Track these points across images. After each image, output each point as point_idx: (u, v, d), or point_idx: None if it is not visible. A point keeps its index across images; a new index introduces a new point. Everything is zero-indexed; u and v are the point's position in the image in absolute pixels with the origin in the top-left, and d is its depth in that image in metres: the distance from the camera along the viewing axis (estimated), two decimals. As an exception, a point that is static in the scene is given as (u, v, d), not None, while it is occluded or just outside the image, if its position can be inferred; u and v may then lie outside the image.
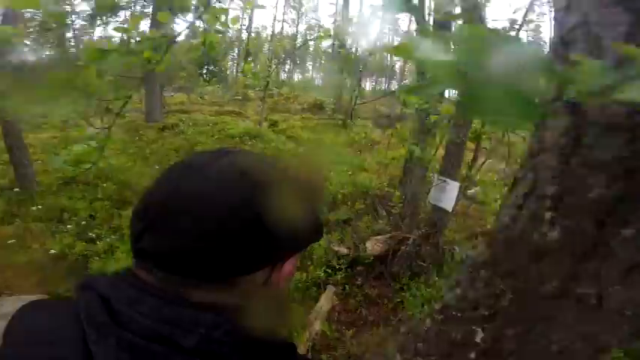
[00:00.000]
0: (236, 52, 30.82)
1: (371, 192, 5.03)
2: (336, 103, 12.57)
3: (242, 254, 0.38)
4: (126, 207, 4.67)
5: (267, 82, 9.62)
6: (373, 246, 3.20)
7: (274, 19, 32.50)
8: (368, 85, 35.58)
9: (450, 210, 2.61)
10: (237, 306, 0.39)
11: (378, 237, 3.28)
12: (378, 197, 5.02)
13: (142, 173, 5.75)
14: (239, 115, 12.02)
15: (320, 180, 0.47)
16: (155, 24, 10.64)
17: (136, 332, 0.34)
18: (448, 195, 2.56)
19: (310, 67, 34.29)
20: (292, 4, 30.76)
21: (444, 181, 2.58)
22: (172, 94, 16.33)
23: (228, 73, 24.82)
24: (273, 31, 31.13)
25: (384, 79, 33.76)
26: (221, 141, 8.08)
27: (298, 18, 30.55)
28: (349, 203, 4.74)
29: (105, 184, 5.26)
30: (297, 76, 31.41)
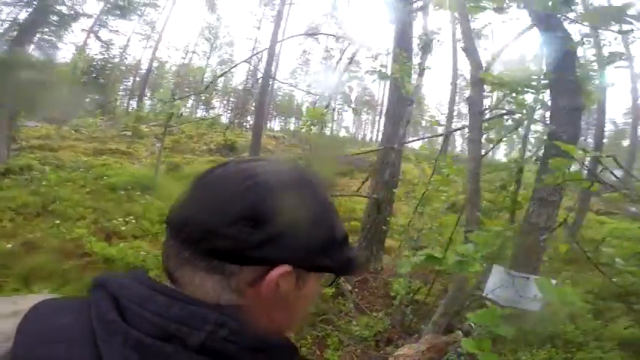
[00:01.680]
0: (131, 81, 27.40)
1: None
2: (253, 143, 11.15)
3: (227, 234, 0.39)
4: None
5: (171, 115, 7.92)
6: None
7: (186, 49, 29.94)
8: (277, 124, 35.35)
9: (538, 309, 1.72)
10: (240, 305, 0.40)
11: (407, 350, 2.09)
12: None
13: None
14: (127, 155, 9.71)
15: (325, 195, 0.47)
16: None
17: (144, 330, 0.34)
18: (534, 293, 1.65)
19: (217, 105, 32.44)
20: (206, 35, 29.10)
21: (526, 278, 1.73)
22: (37, 124, 12.94)
23: (118, 103, 21.48)
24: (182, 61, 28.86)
25: (293, 119, 33.78)
26: (95, 195, 5.87)
27: (211, 51, 28.95)
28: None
29: None
30: (200, 113, 29.25)
